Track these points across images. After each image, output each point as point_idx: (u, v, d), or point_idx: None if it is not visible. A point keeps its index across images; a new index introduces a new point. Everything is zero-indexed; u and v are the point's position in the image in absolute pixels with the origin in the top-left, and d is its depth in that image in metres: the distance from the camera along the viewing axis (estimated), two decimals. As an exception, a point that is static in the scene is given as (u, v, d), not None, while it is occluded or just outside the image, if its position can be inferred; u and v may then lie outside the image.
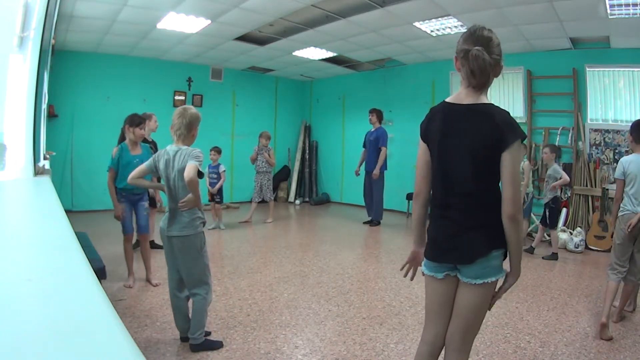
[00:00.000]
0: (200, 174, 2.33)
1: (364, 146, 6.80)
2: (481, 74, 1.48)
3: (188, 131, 2.44)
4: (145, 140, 3.57)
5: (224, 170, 5.99)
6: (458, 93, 1.57)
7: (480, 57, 1.45)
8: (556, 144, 6.02)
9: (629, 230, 2.84)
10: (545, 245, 5.48)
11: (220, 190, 6.02)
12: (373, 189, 6.62)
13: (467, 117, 1.52)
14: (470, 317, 1.56)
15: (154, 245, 4.42)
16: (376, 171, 6.45)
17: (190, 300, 2.54)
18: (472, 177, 1.50)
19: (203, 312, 2.48)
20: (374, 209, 6.70)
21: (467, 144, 1.49)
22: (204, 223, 2.50)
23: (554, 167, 5.04)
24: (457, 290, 1.57)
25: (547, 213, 5.04)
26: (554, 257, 5.00)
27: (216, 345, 2.51)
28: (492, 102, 1.57)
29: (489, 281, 1.50)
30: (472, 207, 1.51)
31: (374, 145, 6.54)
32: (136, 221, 3.61)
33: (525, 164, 5.27)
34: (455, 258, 1.54)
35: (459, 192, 1.53)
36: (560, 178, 4.89)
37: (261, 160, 6.65)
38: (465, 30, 1.54)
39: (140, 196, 3.60)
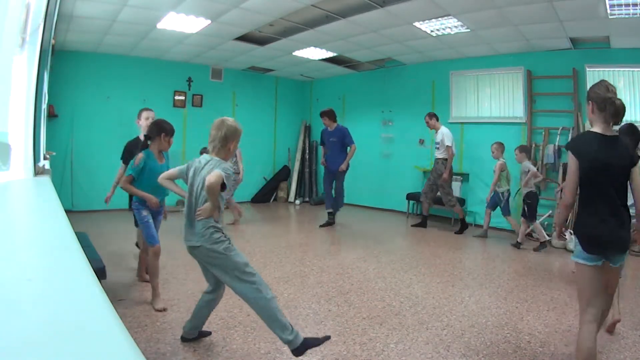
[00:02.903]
0: (223, 186, 2.20)
1: (322, 144, 6.71)
2: (619, 116, 2.05)
3: (223, 145, 2.34)
4: (145, 144, 3.33)
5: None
6: (598, 127, 2.09)
7: (622, 105, 2.04)
8: (556, 144, 6.03)
9: None
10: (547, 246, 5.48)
11: None
12: (336, 183, 6.57)
13: (614, 146, 2.05)
14: (615, 288, 2.21)
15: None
16: (344, 166, 6.38)
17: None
18: (624, 188, 2.05)
19: (269, 310, 2.25)
20: (336, 201, 6.66)
21: (622, 165, 2.03)
22: (221, 232, 2.32)
23: (525, 163, 5.45)
24: (607, 273, 2.06)
25: (526, 207, 5.39)
26: (543, 246, 5.27)
27: (319, 341, 2.39)
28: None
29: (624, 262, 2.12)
30: (622, 212, 2.04)
31: (337, 145, 6.46)
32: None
33: (497, 164, 5.71)
34: (617, 250, 2.03)
35: (615, 201, 2.03)
36: (529, 171, 5.33)
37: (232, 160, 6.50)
38: (597, 83, 2.12)
39: (161, 208, 3.37)
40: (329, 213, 6.60)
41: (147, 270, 3.52)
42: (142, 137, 3.63)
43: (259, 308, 2.28)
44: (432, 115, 6.55)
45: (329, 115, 6.49)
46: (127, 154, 3.74)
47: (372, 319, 3.04)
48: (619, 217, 2.02)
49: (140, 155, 3.14)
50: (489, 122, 6.92)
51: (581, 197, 2.11)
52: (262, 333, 2.72)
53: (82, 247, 1.11)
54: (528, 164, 5.45)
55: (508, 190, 5.76)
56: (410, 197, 7.58)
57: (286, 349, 2.51)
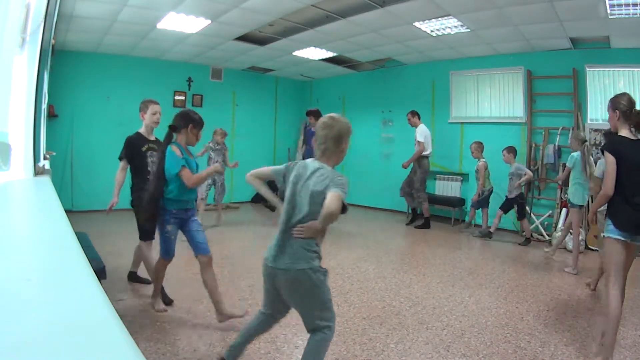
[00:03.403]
0: (344, 209, 1.81)
1: (304, 143, 6.71)
2: None
3: (336, 146, 1.94)
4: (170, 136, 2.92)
5: None
6: (625, 132, 2.53)
7: None
8: (556, 144, 6.03)
9: None
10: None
11: None
12: None
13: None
14: (630, 266, 2.58)
15: (137, 279, 3.72)
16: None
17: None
18: None
19: (322, 352, 2.00)
20: None
21: None
22: (319, 257, 1.94)
23: (516, 165, 5.70)
24: (628, 248, 2.50)
25: (517, 207, 5.71)
26: (527, 242, 5.66)
27: None
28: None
29: None
30: None
31: None
32: (191, 241, 2.92)
33: (481, 164, 6.01)
34: None
35: None
36: (525, 174, 5.54)
37: (215, 159, 6.10)
38: (620, 94, 2.59)
39: (192, 211, 2.99)
40: None
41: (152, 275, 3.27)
42: (144, 133, 3.43)
43: (318, 345, 1.98)
44: (414, 114, 6.77)
45: (315, 114, 6.49)
46: (129, 151, 3.41)
47: (372, 319, 3.04)
48: None
49: (176, 148, 2.80)
50: (489, 122, 6.92)
51: (616, 189, 2.50)
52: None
53: (82, 247, 1.11)
54: (523, 167, 5.68)
55: (491, 188, 6.12)
56: (410, 197, 7.58)
57: (286, 349, 2.51)
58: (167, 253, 2.93)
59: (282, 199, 2.04)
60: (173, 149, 2.80)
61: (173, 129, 2.86)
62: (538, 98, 6.37)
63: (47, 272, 0.91)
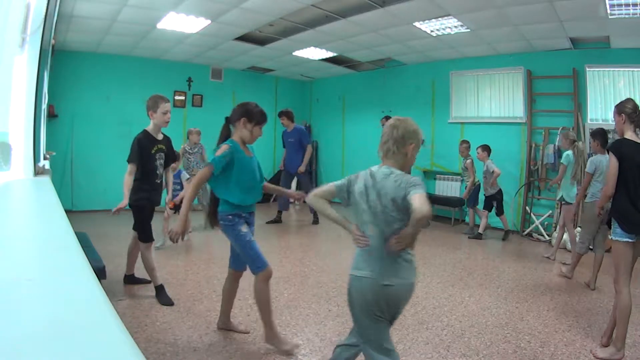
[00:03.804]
0: None
1: (283, 146, 6.73)
2: None
3: (399, 147, 1.83)
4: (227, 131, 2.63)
5: (188, 179, 4.92)
6: (630, 135, 2.63)
7: None
8: (556, 144, 6.03)
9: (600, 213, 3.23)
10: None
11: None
12: (302, 185, 6.60)
13: None
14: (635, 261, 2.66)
15: (135, 280, 3.60)
16: (302, 167, 6.41)
17: None
18: None
19: None
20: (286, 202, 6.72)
21: None
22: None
23: (489, 164, 5.89)
24: (636, 247, 2.59)
25: (495, 203, 5.94)
26: (506, 235, 5.95)
27: None
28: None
29: None
30: None
31: (295, 146, 6.46)
32: (232, 253, 2.71)
33: (470, 162, 6.21)
34: None
35: None
36: (493, 172, 5.76)
37: (195, 161, 5.64)
38: (626, 99, 2.71)
39: (253, 217, 2.64)
40: (278, 211, 6.67)
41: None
42: (152, 132, 3.19)
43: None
44: (388, 118, 6.76)
45: (288, 115, 6.48)
46: (140, 151, 3.12)
47: (372, 319, 3.04)
48: None
49: (226, 146, 2.42)
50: (489, 122, 6.92)
51: (620, 189, 2.61)
52: (262, 333, 2.72)
53: (82, 247, 1.11)
54: (492, 165, 5.86)
55: (478, 183, 6.26)
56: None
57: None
58: (261, 260, 2.50)
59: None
60: (222, 148, 2.44)
61: (228, 121, 2.57)
62: (538, 98, 6.37)
63: (47, 272, 0.91)
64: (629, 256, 2.59)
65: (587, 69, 5.86)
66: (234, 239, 2.49)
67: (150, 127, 3.23)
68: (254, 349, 2.53)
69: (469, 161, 6.24)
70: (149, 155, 3.18)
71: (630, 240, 2.58)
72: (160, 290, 3.28)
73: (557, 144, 6.04)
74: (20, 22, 2.22)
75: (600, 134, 3.96)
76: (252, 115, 2.49)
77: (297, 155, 6.44)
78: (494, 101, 6.96)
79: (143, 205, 3.21)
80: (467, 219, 6.78)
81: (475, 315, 3.19)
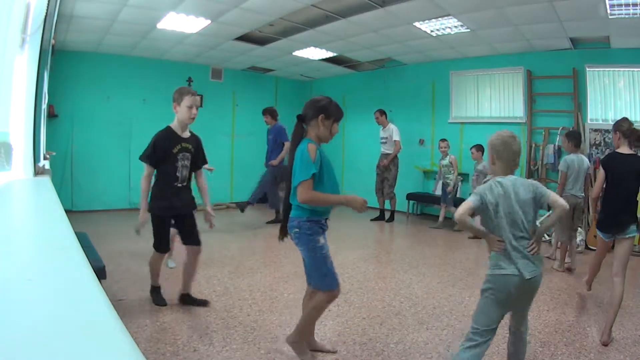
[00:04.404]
0: None
1: (267, 143, 6.80)
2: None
3: (518, 159, 2.10)
4: (300, 129, 2.35)
5: None
6: (622, 149, 2.98)
7: None
8: (556, 144, 6.03)
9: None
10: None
11: None
12: (264, 176, 6.65)
13: (629, 160, 2.95)
14: (624, 256, 2.93)
15: (192, 301, 3.15)
16: (274, 162, 6.44)
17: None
18: (633, 190, 2.92)
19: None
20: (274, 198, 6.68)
21: (633, 173, 2.89)
22: None
23: (483, 163, 5.96)
24: (619, 243, 2.91)
25: None
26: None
27: None
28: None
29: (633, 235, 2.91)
30: (628, 206, 2.94)
31: (272, 143, 6.59)
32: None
33: (454, 158, 6.47)
34: (619, 230, 2.89)
35: (626, 198, 2.93)
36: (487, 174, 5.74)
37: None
38: (621, 119, 3.08)
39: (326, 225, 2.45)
40: (276, 212, 6.63)
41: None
42: (177, 129, 2.85)
43: (526, 341, 2.21)
44: (382, 112, 7.01)
45: (270, 113, 6.60)
46: (155, 150, 2.80)
47: (372, 319, 3.04)
48: (627, 209, 2.92)
49: (313, 147, 2.18)
50: (489, 122, 6.92)
51: (605, 195, 3.04)
52: (262, 333, 2.72)
53: (82, 247, 1.11)
54: (488, 167, 5.91)
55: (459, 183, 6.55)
56: (410, 197, 7.59)
57: (287, 349, 2.50)
58: (334, 279, 2.29)
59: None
60: (309, 148, 2.16)
61: (301, 119, 2.31)
62: (538, 98, 6.37)
63: (47, 272, 0.91)
64: (602, 250, 3.15)
65: (587, 69, 5.86)
66: (309, 249, 2.23)
67: (174, 124, 2.88)
68: (254, 349, 2.53)
69: (452, 157, 6.49)
70: (170, 155, 2.81)
71: (605, 239, 3.03)
72: (155, 291, 3.23)
73: (556, 144, 6.04)
74: (20, 22, 2.22)
75: (574, 136, 4.37)
76: (330, 111, 2.30)
77: (274, 152, 6.57)
78: (494, 101, 6.96)
79: (159, 214, 2.90)
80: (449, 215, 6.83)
81: (475, 315, 3.19)
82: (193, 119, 2.84)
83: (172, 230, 3.19)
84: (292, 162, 2.21)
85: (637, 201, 3.00)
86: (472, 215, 2.04)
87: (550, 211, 2.05)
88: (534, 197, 1.99)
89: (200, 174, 3.18)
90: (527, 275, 1.95)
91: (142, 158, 2.85)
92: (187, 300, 3.14)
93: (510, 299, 2.02)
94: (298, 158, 2.16)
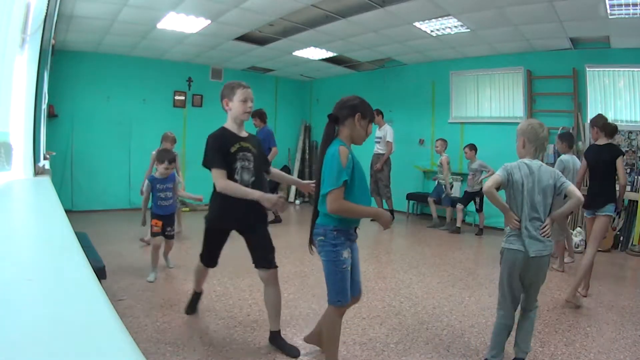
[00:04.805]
0: None
1: None
2: (614, 133, 3.63)
3: (545, 146, 2.38)
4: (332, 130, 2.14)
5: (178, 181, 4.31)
6: (600, 141, 3.62)
7: (615, 127, 3.66)
8: (555, 144, 6.03)
9: None
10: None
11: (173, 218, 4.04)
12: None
13: (604, 150, 3.58)
14: (601, 232, 3.57)
15: (283, 345, 2.57)
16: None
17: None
18: (610, 175, 3.59)
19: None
20: None
21: (607, 162, 3.56)
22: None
23: (479, 162, 6.15)
24: (597, 219, 3.57)
25: (478, 200, 6.26)
26: (480, 232, 6.32)
27: None
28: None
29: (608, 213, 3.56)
30: (605, 188, 3.58)
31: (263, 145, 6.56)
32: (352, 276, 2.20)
33: (445, 158, 6.49)
34: (596, 207, 3.55)
35: (601, 182, 3.60)
36: (489, 171, 5.94)
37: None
38: (597, 115, 3.88)
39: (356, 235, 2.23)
40: (274, 212, 6.59)
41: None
42: (232, 128, 2.51)
43: (534, 319, 2.52)
44: (379, 112, 6.99)
45: (260, 115, 6.43)
46: (217, 155, 2.41)
47: (372, 319, 3.04)
48: (602, 191, 3.55)
49: (345, 150, 2.00)
50: (489, 122, 6.92)
51: (588, 180, 3.69)
52: (262, 333, 2.72)
53: (82, 247, 1.11)
54: (485, 164, 6.08)
55: (452, 183, 6.61)
56: (410, 197, 7.59)
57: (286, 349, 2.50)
58: (345, 295, 2.11)
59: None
60: (341, 151, 1.98)
61: (333, 119, 2.12)
62: (538, 98, 6.37)
63: (47, 272, 0.91)
64: (588, 226, 3.70)
65: (587, 69, 5.86)
66: (329, 261, 2.08)
67: (228, 123, 2.53)
68: (254, 349, 2.53)
69: (444, 157, 6.49)
70: (228, 155, 2.44)
71: (587, 216, 3.69)
72: (194, 297, 3.06)
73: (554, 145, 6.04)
74: (20, 22, 2.22)
75: (567, 137, 4.54)
76: (366, 110, 2.13)
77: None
78: (494, 101, 6.96)
79: (208, 225, 2.65)
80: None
81: (475, 315, 3.19)
82: (249, 113, 2.50)
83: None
84: (321, 165, 2.06)
85: (614, 184, 3.56)
86: (497, 189, 2.24)
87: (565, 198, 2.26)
88: (555, 184, 2.24)
89: (270, 172, 2.94)
90: (531, 253, 2.20)
91: (205, 163, 2.47)
92: (275, 341, 2.57)
93: (516, 272, 2.30)
94: (328, 162, 2.00)
